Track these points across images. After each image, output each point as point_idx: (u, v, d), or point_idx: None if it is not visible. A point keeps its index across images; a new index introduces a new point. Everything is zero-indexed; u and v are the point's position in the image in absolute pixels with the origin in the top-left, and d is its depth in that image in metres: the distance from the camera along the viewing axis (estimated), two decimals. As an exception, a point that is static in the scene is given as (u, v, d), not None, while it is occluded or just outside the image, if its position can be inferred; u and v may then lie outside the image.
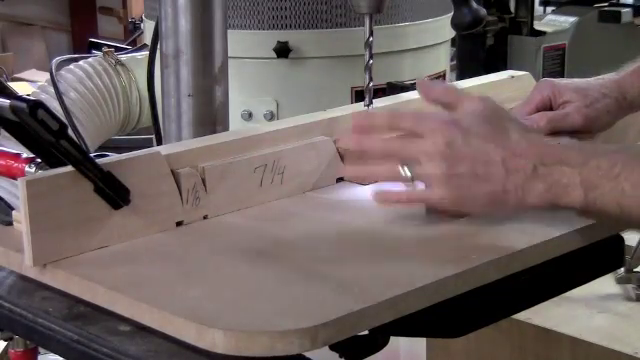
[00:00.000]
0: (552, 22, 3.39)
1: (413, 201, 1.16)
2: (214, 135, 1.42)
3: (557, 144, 1.12)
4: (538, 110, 1.39)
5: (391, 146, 1.15)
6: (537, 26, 3.26)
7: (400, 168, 1.14)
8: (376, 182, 1.22)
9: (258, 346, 0.92)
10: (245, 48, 1.95)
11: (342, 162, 1.33)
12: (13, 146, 1.27)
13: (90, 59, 2.40)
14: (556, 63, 3.22)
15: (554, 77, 1.46)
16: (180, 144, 1.36)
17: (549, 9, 3.74)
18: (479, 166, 1.11)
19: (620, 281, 1.89)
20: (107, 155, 1.18)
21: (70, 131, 1.77)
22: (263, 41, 1.95)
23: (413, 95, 1.56)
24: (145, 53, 2.15)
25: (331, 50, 1.97)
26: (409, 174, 1.14)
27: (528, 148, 1.11)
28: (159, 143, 1.74)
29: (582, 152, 1.10)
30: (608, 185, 1.07)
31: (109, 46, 2.49)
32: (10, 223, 1.16)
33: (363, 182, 1.27)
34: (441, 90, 1.19)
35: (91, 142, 2.26)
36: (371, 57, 1.48)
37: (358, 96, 1.95)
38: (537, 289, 1.17)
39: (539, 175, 1.10)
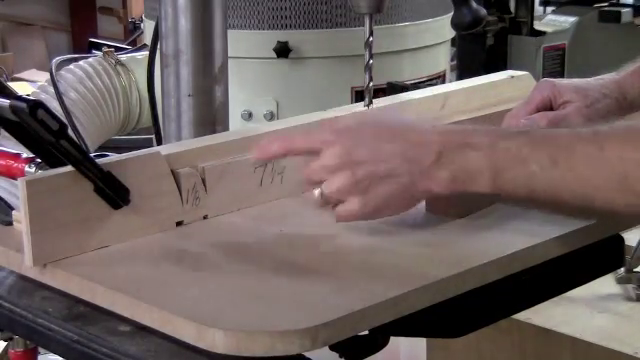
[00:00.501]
0: (552, 22, 3.38)
1: (341, 221, 1.12)
2: (214, 135, 1.42)
3: (463, 128, 1.09)
4: (538, 110, 1.39)
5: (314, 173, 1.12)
6: (537, 26, 3.26)
7: (315, 192, 1.12)
8: None
9: (258, 346, 0.92)
10: (245, 48, 1.95)
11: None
12: (13, 146, 1.27)
13: (90, 59, 2.40)
14: (556, 63, 3.22)
15: (554, 77, 1.46)
16: (180, 144, 1.36)
17: (549, 9, 3.74)
18: (379, 165, 1.08)
19: (620, 281, 1.90)
20: (107, 155, 1.18)
21: (70, 131, 1.77)
22: (263, 41, 1.95)
23: (413, 95, 1.57)
24: (145, 53, 2.16)
25: (331, 50, 1.97)
26: (318, 195, 1.12)
27: (428, 136, 1.08)
28: (159, 143, 1.75)
29: (489, 135, 1.07)
30: (517, 168, 1.05)
31: (109, 46, 2.49)
32: (10, 223, 1.16)
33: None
34: (278, 143, 1.13)
35: (91, 142, 2.26)
36: (371, 57, 1.48)
37: (358, 96, 1.95)
38: (537, 289, 1.17)
39: (442, 162, 1.07)
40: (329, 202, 1.12)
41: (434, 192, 1.09)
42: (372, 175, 1.08)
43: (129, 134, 2.52)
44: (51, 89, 2.25)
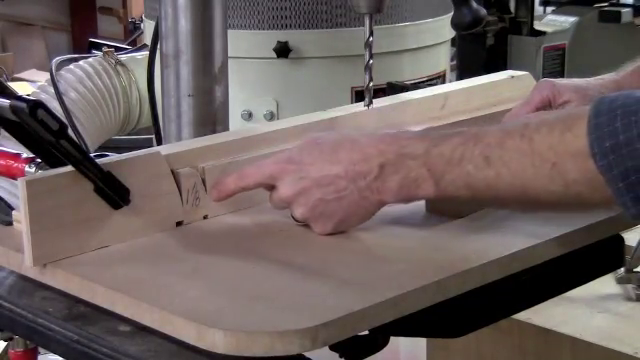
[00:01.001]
0: (552, 22, 3.38)
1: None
2: (214, 135, 1.42)
3: (399, 137, 1.12)
4: (538, 110, 1.39)
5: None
6: (537, 26, 3.26)
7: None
8: None
9: (258, 346, 0.92)
10: (245, 48, 1.95)
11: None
12: (13, 146, 1.27)
13: (90, 59, 2.40)
14: (556, 63, 3.22)
15: (554, 77, 1.46)
16: (180, 144, 1.36)
17: (549, 9, 3.74)
18: (327, 189, 1.12)
19: (620, 281, 1.90)
20: (107, 155, 1.18)
21: (70, 131, 1.77)
22: (263, 41, 1.95)
23: (413, 95, 1.57)
24: (145, 53, 2.15)
25: (331, 50, 1.97)
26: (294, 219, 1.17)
27: (366, 151, 1.12)
28: (159, 143, 1.74)
29: (424, 141, 1.10)
30: (454, 171, 1.07)
31: (109, 46, 2.49)
32: (10, 223, 1.16)
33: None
34: (232, 181, 1.19)
35: (91, 142, 2.26)
36: (371, 57, 1.48)
37: (358, 96, 1.95)
38: (537, 289, 1.17)
39: (386, 174, 1.10)
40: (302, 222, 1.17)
41: (385, 202, 1.13)
42: (323, 200, 1.13)
43: (129, 134, 2.52)
44: (51, 89, 2.25)
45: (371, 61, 1.48)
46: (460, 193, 1.09)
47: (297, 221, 1.16)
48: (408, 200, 1.13)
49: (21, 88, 3.81)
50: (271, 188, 1.16)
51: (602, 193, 1.00)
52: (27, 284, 1.12)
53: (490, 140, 1.06)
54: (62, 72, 2.32)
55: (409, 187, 1.10)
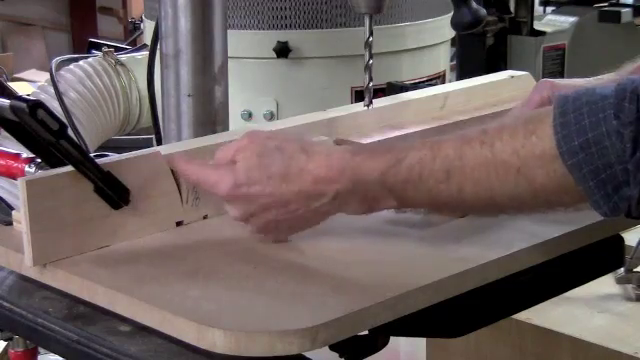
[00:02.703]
0: (552, 22, 3.38)
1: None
2: (214, 135, 1.42)
3: (354, 156, 1.07)
4: (538, 110, 1.39)
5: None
6: (537, 26, 3.26)
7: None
8: None
9: (258, 346, 0.92)
10: (245, 48, 1.95)
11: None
12: (13, 146, 1.27)
13: (90, 59, 2.40)
14: (556, 63, 3.22)
15: (554, 77, 1.46)
16: (180, 144, 1.36)
17: (549, 9, 3.73)
18: (277, 211, 1.09)
19: (620, 281, 1.89)
20: (107, 155, 1.18)
21: (70, 131, 1.77)
22: (263, 41, 1.95)
23: (413, 95, 1.57)
24: (145, 53, 2.15)
25: (331, 50, 1.97)
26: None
27: (319, 176, 1.07)
28: (159, 143, 1.74)
29: (378, 162, 1.06)
30: (414, 189, 1.05)
31: (109, 46, 2.49)
32: (10, 223, 1.16)
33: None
34: (195, 169, 1.14)
35: (91, 142, 2.26)
36: (371, 57, 1.48)
37: (358, 96, 1.95)
38: (537, 289, 1.17)
39: (343, 197, 1.07)
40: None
41: (346, 212, 1.10)
42: (274, 221, 1.10)
43: (129, 134, 2.52)
44: (51, 89, 2.25)
45: (371, 61, 1.48)
46: (424, 206, 1.08)
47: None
48: (370, 212, 1.10)
49: (21, 88, 3.81)
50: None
51: (571, 194, 0.99)
52: (27, 284, 1.12)
53: (449, 152, 1.03)
54: (62, 72, 2.32)
55: (370, 204, 1.08)
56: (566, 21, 3.35)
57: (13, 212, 1.16)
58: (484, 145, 1.02)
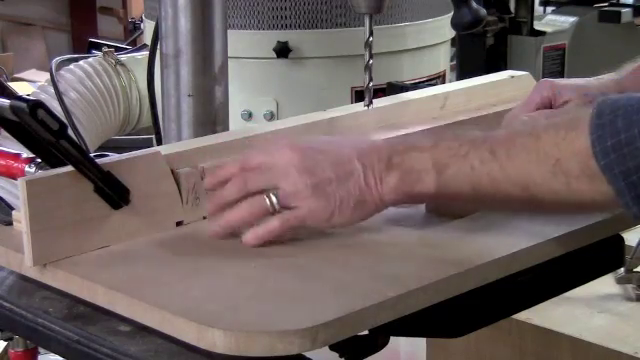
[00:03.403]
0: (552, 22, 3.38)
1: (287, 226, 1.11)
2: (214, 135, 1.42)
3: (405, 137, 1.15)
4: (538, 110, 1.39)
5: (246, 180, 1.11)
6: (537, 26, 3.26)
7: (265, 199, 1.10)
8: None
9: (258, 346, 0.92)
10: (245, 48, 1.95)
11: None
12: (13, 146, 1.27)
13: (90, 59, 2.40)
14: (556, 63, 3.22)
15: (554, 77, 1.46)
16: (180, 144, 1.36)
17: (549, 9, 3.73)
18: (337, 168, 1.10)
19: (620, 281, 1.89)
20: (107, 155, 1.18)
21: (70, 131, 1.77)
22: (263, 41, 1.95)
23: (413, 95, 1.57)
24: (145, 53, 2.16)
25: (331, 50, 1.97)
26: (274, 200, 1.10)
27: (379, 143, 1.13)
28: (159, 143, 1.74)
29: (433, 136, 1.11)
30: (458, 164, 1.08)
31: (109, 46, 2.49)
32: (10, 223, 1.16)
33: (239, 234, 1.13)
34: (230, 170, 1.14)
35: (91, 142, 2.26)
36: (371, 57, 1.48)
37: (358, 96, 1.95)
38: (537, 289, 1.17)
39: (393, 165, 1.10)
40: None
41: (386, 199, 1.11)
42: (330, 178, 1.09)
43: (129, 134, 2.53)
44: (51, 89, 2.25)
45: (371, 61, 1.48)
46: (462, 189, 1.09)
47: (280, 204, 1.10)
48: (409, 197, 1.11)
49: (21, 88, 3.81)
50: None
51: (603, 192, 1.00)
52: (27, 284, 1.12)
53: (499, 137, 1.08)
54: (62, 72, 2.32)
55: (411, 180, 1.09)
56: (566, 21, 3.35)
57: (13, 212, 1.16)
58: (531, 136, 1.06)
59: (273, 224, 1.11)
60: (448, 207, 1.19)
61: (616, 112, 0.99)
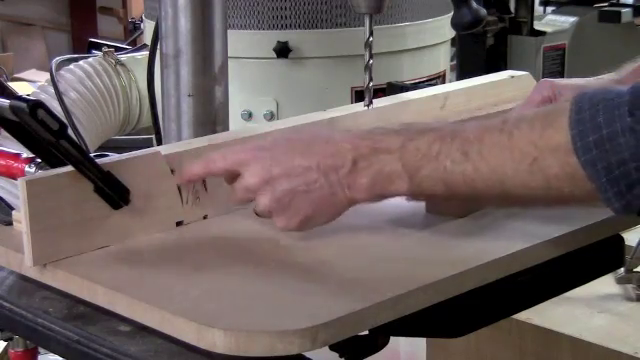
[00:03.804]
0: (552, 22, 3.38)
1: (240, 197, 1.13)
2: (214, 135, 1.42)
3: (373, 133, 1.10)
4: (538, 110, 1.39)
5: (224, 155, 1.13)
6: (537, 26, 3.26)
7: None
8: None
9: (258, 346, 0.92)
10: (245, 48, 1.95)
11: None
12: (13, 146, 1.27)
13: (90, 59, 2.40)
14: (556, 63, 3.22)
15: (554, 77, 1.46)
16: (180, 144, 1.36)
17: (549, 9, 3.73)
18: (296, 180, 1.09)
19: (620, 281, 1.89)
20: (107, 155, 1.18)
21: (70, 131, 1.77)
22: (263, 41, 1.95)
23: (413, 95, 1.57)
24: (145, 53, 2.15)
25: (331, 50, 1.97)
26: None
27: (340, 145, 1.09)
28: (159, 143, 1.74)
29: (400, 136, 1.08)
30: (430, 166, 1.05)
31: (109, 46, 2.49)
32: (10, 223, 1.16)
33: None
34: (198, 165, 1.15)
35: (91, 142, 2.26)
36: (371, 57, 1.48)
37: (358, 96, 1.95)
38: (537, 289, 1.17)
39: (359, 169, 1.08)
40: (264, 216, 1.13)
41: (357, 200, 1.10)
42: (291, 191, 1.09)
43: (129, 134, 2.52)
44: (51, 89, 2.25)
45: (371, 61, 1.48)
46: (436, 189, 1.07)
47: (259, 215, 1.12)
48: (380, 197, 1.10)
49: (21, 88, 3.81)
50: (233, 179, 1.13)
51: (583, 188, 0.99)
52: (27, 284, 1.12)
53: (468, 135, 1.05)
54: (62, 72, 2.32)
55: (382, 183, 1.08)
56: (566, 21, 3.35)
57: (13, 212, 1.16)
58: (503, 133, 1.03)
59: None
60: (448, 207, 1.19)
61: (596, 106, 0.97)
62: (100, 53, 2.42)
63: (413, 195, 1.09)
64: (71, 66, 2.36)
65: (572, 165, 0.98)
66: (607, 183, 0.97)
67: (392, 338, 1.05)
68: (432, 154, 1.05)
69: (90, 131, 2.26)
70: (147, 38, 2.16)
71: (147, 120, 2.32)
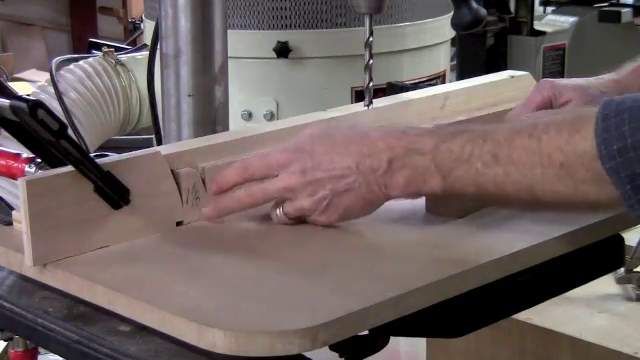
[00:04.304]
0: (552, 22, 3.38)
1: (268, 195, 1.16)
2: (214, 135, 1.42)
3: (407, 133, 1.13)
4: (538, 110, 1.39)
5: (252, 196, 1.16)
6: (537, 26, 3.26)
7: (272, 212, 1.17)
8: None
9: (258, 346, 0.92)
10: (245, 48, 1.95)
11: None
12: (13, 146, 1.27)
13: (90, 59, 2.40)
14: (556, 63, 3.22)
15: (554, 77, 1.46)
16: (180, 144, 1.36)
17: (549, 9, 3.73)
18: (337, 181, 1.13)
19: (620, 281, 1.89)
20: (107, 155, 1.18)
21: (70, 131, 1.77)
22: (263, 41, 1.95)
23: (413, 95, 1.57)
24: (145, 53, 2.15)
25: (331, 50, 1.97)
26: (281, 214, 1.16)
27: (376, 145, 1.13)
28: (159, 143, 1.74)
29: (433, 137, 1.11)
30: (462, 167, 1.08)
31: (109, 46, 2.49)
32: (10, 223, 1.16)
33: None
34: (235, 172, 1.18)
35: (91, 142, 2.26)
36: (371, 57, 1.48)
37: (358, 96, 1.95)
38: (537, 289, 1.17)
39: (394, 169, 1.11)
40: (290, 219, 1.16)
41: (393, 197, 1.13)
42: (331, 193, 1.13)
43: (129, 134, 2.52)
44: (51, 89, 2.25)
45: (371, 61, 1.48)
46: (467, 190, 1.09)
47: (287, 215, 1.16)
48: (415, 195, 1.14)
49: (21, 88, 3.81)
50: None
51: (609, 193, 1.00)
52: (27, 284, 1.12)
53: (499, 138, 1.07)
54: (62, 72, 2.32)
55: (416, 182, 1.11)
56: (566, 21, 3.35)
57: (13, 212, 1.16)
58: (532, 137, 1.05)
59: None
60: (448, 207, 1.19)
61: (622, 115, 0.99)
62: (100, 53, 2.42)
63: (446, 193, 1.11)
64: (71, 66, 2.36)
65: (597, 171, 1.00)
66: (631, 191, 0.98)
67: (392, 338, 1.05)
68: (464, 156, 1.08)
69: (90, 131, 2.26)
70: (147, 38, 2.16)
71: (147, 120, 2.32)
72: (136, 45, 2.90)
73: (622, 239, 1.25)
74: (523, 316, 1.79)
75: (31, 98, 1.04)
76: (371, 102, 1.48)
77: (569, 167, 1.02)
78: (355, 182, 1.13)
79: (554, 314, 1.81)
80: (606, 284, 1.88)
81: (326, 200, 1.13)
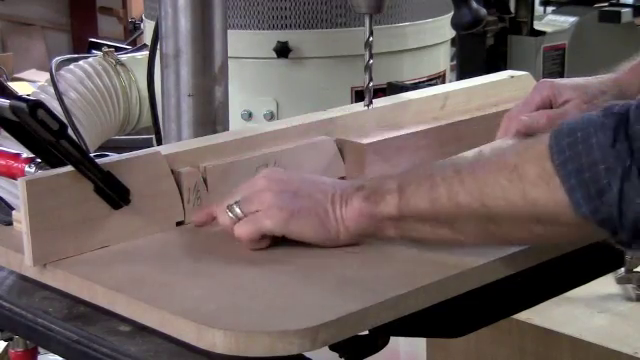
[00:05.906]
0: (552, 22, 3.38)
1: (249, 230, 1.12)
2: (214, 135, 1.42)
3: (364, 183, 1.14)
4: (538, 110, 1.39)
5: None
6: (537, 26, 3.26)
7: (227, 211, 1.13)
8: None
9: (258, 346, 0.92)
10: (245, 48, 1.95)
11: (343, 162, 1.33)
12: (13, 146, 1.27)
13: (90, 59, 2.40)
14: (556, 63, 3.22)
15: (554, 77, 1.46)
16: (180, 144, 1.36)
17: (549, 9, 3.73)
18: (310, 185, 1.13)
19: (620, 281, 1.90)
20: (107, 155, 1.18)
21: (70, 131, 1.77)
22: (263, 41, 1.95)
23: (413, 95, 1.57)
24: (145, 53, 2.15)
25: (331, 50, 1.97)
26: (237, 211, 1.12)
27: (333, 181, 1.16)
28: (159, 143, 1.74)
29: (394, 177, 1.11)
30: (420, 181, 1.07)
31: (109, 46, 2.49)
32: (10, 223, 1.16)
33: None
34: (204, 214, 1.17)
35: (91, 142, 2.26)
36: (371, 57, 1.48)
37: (358, 96, 1.95)
38: (537, 289, 1.17)
39: (358, 189, 1.11)
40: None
41: (346, 226, 1.10)
42: (293, 200, 1.11)
43: (129, 134, 2.52)
44: (51, 89, 2.25)
45: (371, 61, 1.48)
46: (420, 206, 1.07)
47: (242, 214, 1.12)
48: (370, 219, 1.10)
49: (21, 88, 3.81)
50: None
51: (558, 200, 0.98)
52: (27, 284, 1.12)
53: (470, 158, 1.10)
54: (62, 72, 2.32)
55: (374, 200, 1.09)
56: (566, 21, 3.35)
57: (13, 212, 1.16)
58: (500, 153, 1.09)
59: (237, 231, 1.11)
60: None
61: (576, 119, 1.01)
62: (100, 53, 2.42)
63: (401, 216, 1.08)
64: (71, 66, 2.36)
65: (548, 171, 0.99)
66: (576, 184, 0.97)
67: (392, 338, 1.05)
68: (427, 173, 1.08)
69: (90, 131, 2.26)
70: (147, 38, 2.16)
71: (147, 120, 2.32)
72: (136, 45, 2.89)
73: (622, 239, 1.25)
74: (523, 316, 1.79)
75: (31, 98, 1.04)
76: (371, 102, 1.48)
77: (521, 168, 1.01)
78: (316, 202, 1.11)
79: (554, 314, 1.81)
80: (606, 284, 1.88)
81: (286, 202, 1.10)
